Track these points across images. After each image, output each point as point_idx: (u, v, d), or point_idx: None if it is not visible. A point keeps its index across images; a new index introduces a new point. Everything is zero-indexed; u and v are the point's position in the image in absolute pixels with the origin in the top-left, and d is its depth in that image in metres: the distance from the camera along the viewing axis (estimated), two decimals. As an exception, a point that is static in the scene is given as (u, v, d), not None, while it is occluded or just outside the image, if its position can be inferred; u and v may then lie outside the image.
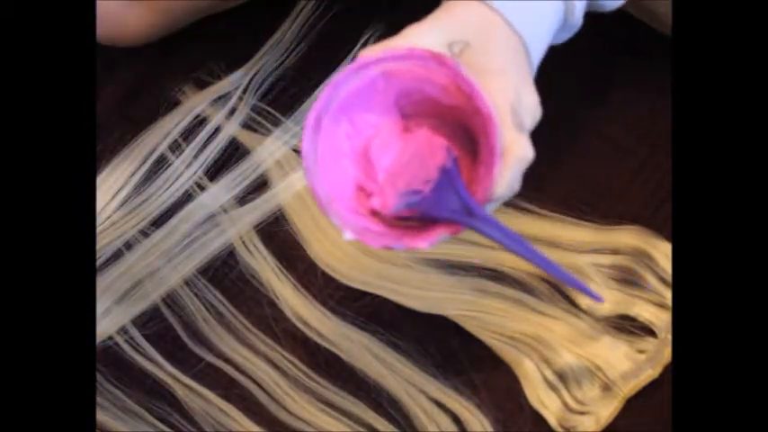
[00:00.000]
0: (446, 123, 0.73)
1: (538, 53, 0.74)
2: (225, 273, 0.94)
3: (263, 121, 1.01)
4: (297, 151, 0.99)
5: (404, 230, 0.71)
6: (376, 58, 0.71)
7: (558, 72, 0.79)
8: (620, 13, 0.92)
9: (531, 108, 0.71)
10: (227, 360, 0.90)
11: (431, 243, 0.69)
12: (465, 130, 0.72)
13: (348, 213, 0.71)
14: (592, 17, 0.80)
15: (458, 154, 0.72)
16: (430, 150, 0.72)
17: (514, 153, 0.70)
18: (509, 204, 0.91)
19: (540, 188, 0.91)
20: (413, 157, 0.73)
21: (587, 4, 0.77)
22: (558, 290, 0.89)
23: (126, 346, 0.92)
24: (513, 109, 0.70)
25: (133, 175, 0.99)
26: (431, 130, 0.73)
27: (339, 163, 0.73)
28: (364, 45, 1.01)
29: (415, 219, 0.71)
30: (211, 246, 0.96)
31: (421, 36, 0.72)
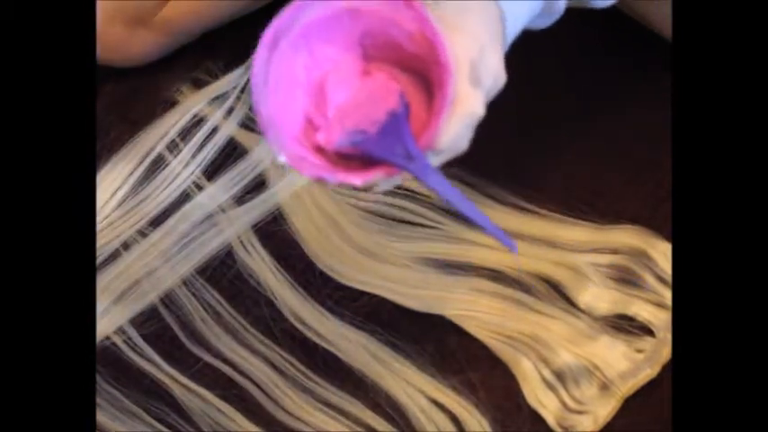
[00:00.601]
0: (406, 72, 0.72)
1: (513, 26, 0.73)
2: (223, 272, 0.94)
3: (262, 121, 1.01)
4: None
5: (342, 168, 0.70)
6: None
7: (557, 72, 0.79)
8: (619, 13, 0.94)
9: (493, 70, 0.70)
10: (225, 360, 0.90)
11: (365, 181, 0.68)
12: (425, 82, 0.71)
13: (290, 141, 0.70)
14: (592, 17, 0.80)
15: (413, 104, 0.71)
16: (384, 94, 0.71)
17: (465, 106, 0.68)
18: (508, 203, 0.92)
19: (539, 188, 0.91)
20: (366, 99, 0.71)
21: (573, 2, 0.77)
22: (557, 289, 0.89)
23: (124, 347, 0.92)
24: (473, 65, 0.69)
25: (131, 174, 1.00)
26: (389, 76, 0.72)
27: (292, 91, 0.71)
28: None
29: (356, 158, 0.70)
30: (209, 245, 0.96)
31: None
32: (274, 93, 0.69)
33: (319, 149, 0.71)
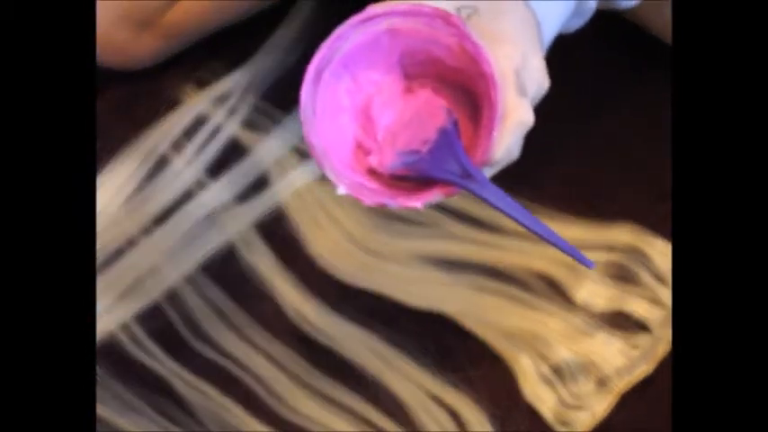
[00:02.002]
0: (449, 86, 0.72)
1: (549, 30, 0.73)
2: (225, 270, 0.94)
3: (264, 120, 1.01)
4: (297, 150, 0.99)
5: (399, 190, 0.70)
6: (383, 12, 0.69)
7: (557, 72, 0.79)
8: (619, 15, 0.94)
9: (537, 77, 0.70)
10: (228, 356, 0.90)
11: (425, 203, 0.68)
12: (468, 94, 0.71)
13: (344, 169, 0.70)
14: (592, 17, 0.80)
15: (459, 118, 0.71)
16: (430, 111, 0.71)
17: (515, 117, 0.68)
18: None
19: (536, 186, 0.91)
20: (413, 118, 0.71)
21: (602, 2, 0.77)
22: (554, 286, 0.89)
23: (128, 343, 0.92)
24: (518, 74, 0.69)
25: (135, 173, 0.99)
26: (433, 92, 0.72)
27: (338, 118, 0.71)
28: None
29: (412, 179, 0.70)
30: (212, 243, 0.96)
31: None
32: (322, 122, 0.69)
33: (373, 172, 0.71)
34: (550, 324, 0.88)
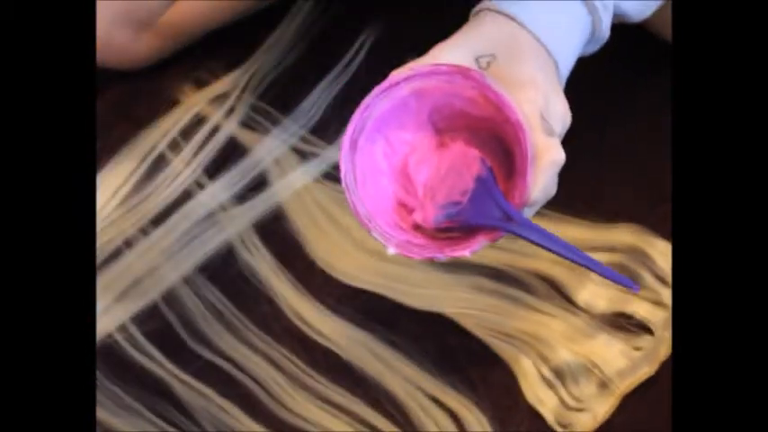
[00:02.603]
0: (479, 136, 0.74)
1: (566, 65, 0.75)
2: (224, 271, 0.94)
3: (262, 120, 1.02)
4: (295, 150, 0.99)
5: (445, 241, 0.73)
6: (404, 77, 0.72)
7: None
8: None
9: (560, 115, 0.72)
10: (226, 358, 0.90)
11: (473, 251, 0.70)
12: (498, 140, 0.73)
13: (389, 228, 0.73)
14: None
15: (492, 164, 0.73)
16: (465, 162, 0.73)
17: (547, 157, 0.70)
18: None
19: None
20: (449, 170, 0.74)
21: (614, 18, 0.78)
22: (556, 287, 0.89)
23: (125, 344, 0.92)
24: (543, 116, 0.71)
25: (133, 173, 1.00)
26: (464, 143, 0.74)
27: (378, 181, 0.74)
28: (362, 45, 1.02)
29: (456, 229, 0.73)
30: (210, 244, 0.96)
31: (448, 52, 0.72)
32: (363, 187, 0.72)
33: (418, 228, 0.74)
34: (552, 325, 0.87)
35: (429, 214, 0.73)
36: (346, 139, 0.72)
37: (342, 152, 0.72)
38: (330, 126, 1.00)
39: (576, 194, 0.91)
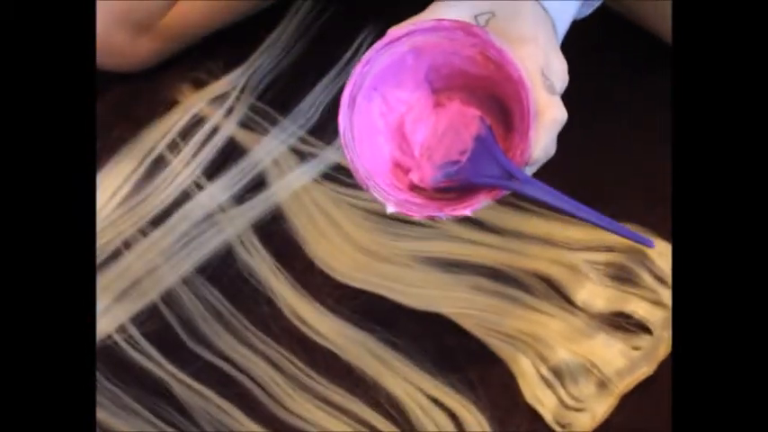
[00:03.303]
0: (476, 95, 0.73)
1: (563, 25, 0.74)
2: (223, 271, 0.94)
3: (261, 121, 1.02)
4: (294, 150, 0.99)
5: (443, 201, 0.71)
6: (405, 32, 0.71)
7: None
8: (618, 14, 0.95)
9: (559, 73, 0.71)
10: (226, 358, 0.90)
11: (473, 209, 0.69)
12: (496, 100, 0.72)
13: (387, 188, 0.71)
14: (591, 17, 0.80)
15: (490, 123, 0.72)
16: (463, 121, 0.72)
17: (548, 115, 0.69)
18: (506, 202, 0.91)
19: None
20: (447, 130, 0.73)
21: None
22: (554, 287, 0.89)
23: (125, 345, 0.92)
24: (544, 73, 0.70)
25: (132, 174, 1.00)
26: (462, 103, 0.73)
27: (374, 140, 0.73)
28: (360, 45, 1.02)
29: (455, 189, 0.72)
30: (210, 244, 0.96)
31: (447, 10, 0.71)
32: (361, 145, 0.71)
33: (415, 188, 0.73)
34: (550, 325, 0.87)
35: (427, 174, 0.72)
36: (345, 95, 0.71)
37: (340, 109, 0.71)
38: (329, 127, 1.00)
39: (574, 194, 0.87)
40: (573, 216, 0.70)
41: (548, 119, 0.69)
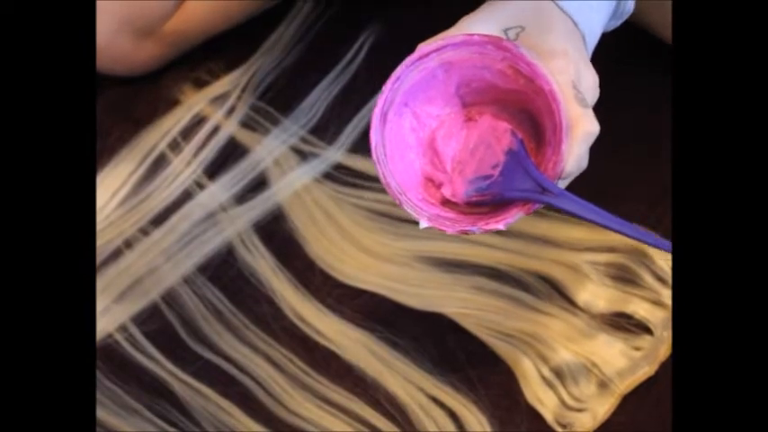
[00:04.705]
0: (507, 109, 0.73)
1: (592, 39, 0.73)
2: (224, 271, 0.94)
3: (262, 120, 1.01)
4: (295, 150, 0.99)
5: (477, 216, 0.71)
6: (434, 48, 0.70)
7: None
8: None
9: (591, 86, 0.71)
10: (226, 358, 0.90)
11: (507, 223, 0.68)
12: (527, 114, 0.72)
13: (420, 203, 0.71)
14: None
15: (522, 137, 0.72)
16: (494, 135, 0.72)
17: (581, 128, 0.68)
18: None
19: None
20: (478, 144, 0.72)
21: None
22: (555, 288, 0.89)
23: (126, 344, 0.92)
24: (575, 86, 0.69)
25: (133, 173, 1.00)
26: (493, 117, 0.73)
27: (406, 155, 0.72)
28: (362, 46, 1.02)
29: (487, 203, 0.71)
30: (210, 244, 0.96)
31: (476, 25, 0.71)
32: (393, 161, 0.71)
33: (447, 203, 0.72)
34: (552, 325, 0.87)
35: (459, 189, 0.71)
36: (377, 111, 0.70)
37: (372, 125, 0.70)
38: (330, 126, 1.00)
39: (575, 195, 0.88)
40: (608, 228, 0.69)
41: (580, 132, 0.68)
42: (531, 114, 0.72)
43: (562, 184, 0.70)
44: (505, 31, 0.70)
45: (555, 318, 0.88)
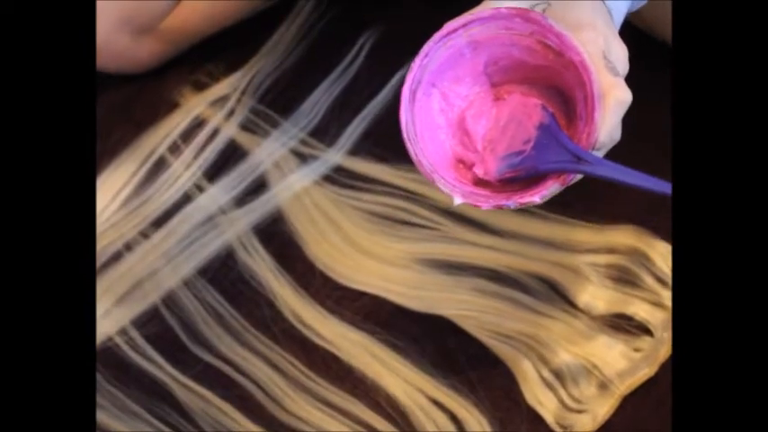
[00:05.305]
0: (536, 87, 0.72)
1: (619, 16, 0.73)
2: (224, 274, 0.94)
3: (262, 123, 1.02)
4: (295, 152, 0.99)
5: (511, 192, 0.70)
6: (462, 23, 0.70)
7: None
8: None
9: (621, 57, 0.70)
10: (226, 360, 0.91)
11: (543, 195, 0.67)
12: (556, 90, 0.71)
13: (453, 181, 0.70)
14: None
15: (553, 111, 0.71)
16: (525, 111, 0.71)
17: (614, 97, 0.67)
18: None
19: None
20: (509, 121, 0.71)
21: None
22: (555, 289, 0.89)
23: (126, 347, 0.92)
24: (605, 56, 0.68)
25: (133, 176, 1.00)
26: (522, 95, 0.72)
27: (435, 136, 0.72)
28: (362, 48, 1.02)
29: (520, 179, 0.70)
30: (210, 247, 0.96)
31: (501, 3, 0.70)
32: (423, 140, 0.70)
33: (480, 182, 0.71)
34: (552, 327, 0.87)
35: (491, 166, 0.70)
36: (406, 89, 0.69)
37: (402, 103, 0.69)
38: (330, 129, 1.00)
39: (575, 196, 0.87)
40: (653, 191, 0.67)
41: (613, 100, 0.67)
42: (560, 90, 0.71)
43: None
44: (532, 7, 0.69)
45: (555, 319, 0.87)
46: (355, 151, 0.99)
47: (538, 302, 0.89)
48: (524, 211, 0.91)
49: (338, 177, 0.97)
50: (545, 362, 0.86)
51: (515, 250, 0.91)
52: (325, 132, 1.00)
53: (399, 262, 0.92)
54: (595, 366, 0.85)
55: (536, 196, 0.67)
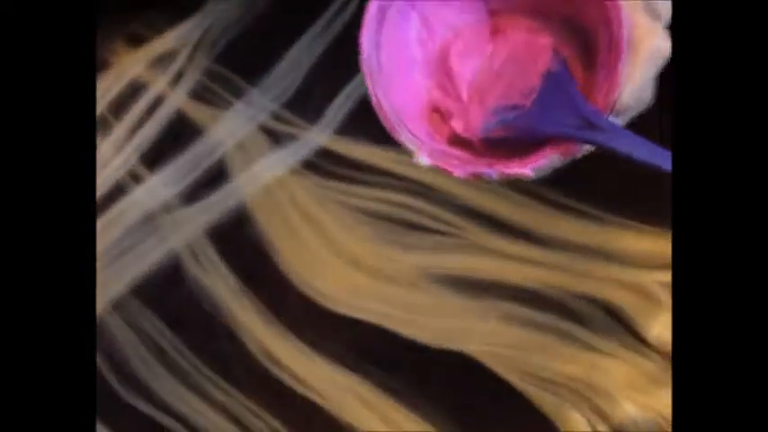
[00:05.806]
0: (548, 20, 0.66)
1: None
2: (167, 293, 0.87)
3: (220, 90, 0.92)
4: (265, 130, 0.91)
5: (494, 158, 0.65)
6: None
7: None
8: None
9: (664, 4, 0.66)
10: (170, 412, 0.84)
11: (536, 167, 0.62)
12: (575, 28, 0.66)
13: (422, 135, 0.65)
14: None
15: (566, 57, 0.65)
16: (529, 53, 0.65)
17: (646, 44, 0.62)
18: (550, 201, 0.85)
19: (591, 185, 0.85)
20: (507, 64, 0.66)
21: None
22: (619, 319, 0.81)
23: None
24: None
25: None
26: (528, 30, 0.66)
27: (407, 74, 0.67)
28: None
29: (511, 142, 0.64)
30: (149, 257, 0.88)
31: None
32: (389, 76, 0.66)
33: (456, 141, 0.67)
34: (612, 369, 0.79)
35: (475, 121, 0.65)
36: (372, 6, 0.64)
37: (364, 24, 0.64)
38: (310, 99, 0.91)
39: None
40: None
41: (647, 49, 0.62)
42: (579, 28, 0.66)
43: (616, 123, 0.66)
44: None
45: (617, 359, 0.80)
46: (345, 130, 0.90)
47: (593, 335, 0.80)
48: (573, 210, 0.83)
49: (323, 164, 0.89)
50: (604, 417, 0.79)
51: (560, 263, 0.83)
52: (306, 104, 0.91)
53: (405, 279, 0.84)
54: (670, 422, 0.77)
55: (527, 167, 0.62)
